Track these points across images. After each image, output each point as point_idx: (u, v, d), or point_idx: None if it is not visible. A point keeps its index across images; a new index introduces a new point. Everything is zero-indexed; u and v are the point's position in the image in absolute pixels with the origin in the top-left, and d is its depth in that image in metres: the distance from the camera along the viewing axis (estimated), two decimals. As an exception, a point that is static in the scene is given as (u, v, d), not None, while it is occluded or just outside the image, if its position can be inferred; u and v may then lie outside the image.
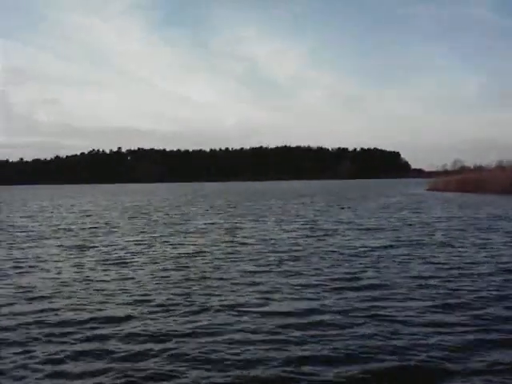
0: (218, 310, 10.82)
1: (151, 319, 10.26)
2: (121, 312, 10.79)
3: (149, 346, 8.72)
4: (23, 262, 17.31)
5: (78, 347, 8.71)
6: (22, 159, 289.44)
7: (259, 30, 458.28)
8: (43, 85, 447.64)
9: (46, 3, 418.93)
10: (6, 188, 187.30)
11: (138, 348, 8.62)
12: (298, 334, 9.25)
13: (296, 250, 18.95)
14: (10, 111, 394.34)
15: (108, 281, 14.04)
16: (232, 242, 21.71)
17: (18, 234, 26.54)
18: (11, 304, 11.65)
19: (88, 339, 9.08)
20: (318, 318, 10.21)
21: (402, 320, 9.94)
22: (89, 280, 14.21)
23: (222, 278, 14.07)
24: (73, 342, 8.97)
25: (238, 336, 9.13)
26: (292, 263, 16.35)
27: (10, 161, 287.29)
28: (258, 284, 13.32)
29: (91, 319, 10.29)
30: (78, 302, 11.69)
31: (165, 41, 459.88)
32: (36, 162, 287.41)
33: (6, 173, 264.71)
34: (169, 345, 8.74)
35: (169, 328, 9.65)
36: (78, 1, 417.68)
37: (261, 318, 10.20)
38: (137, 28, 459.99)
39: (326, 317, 10.25)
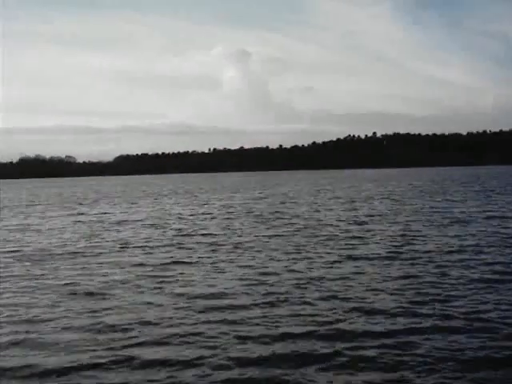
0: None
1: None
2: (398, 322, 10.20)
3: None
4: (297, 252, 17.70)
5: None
6: (281, 146, 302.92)
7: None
8: (300, 73, 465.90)
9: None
10: (265, 174, 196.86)
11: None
12: None
13: None
14: (269, 100, 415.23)
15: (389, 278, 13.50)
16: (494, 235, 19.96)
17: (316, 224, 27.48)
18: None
19: (383, 346, 8.68)
20: None
21: None
22: (365, 275, 13.96)
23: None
24: (363, 348, 8.64)
25: None
26: None
27: (270, 148, 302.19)
28: None
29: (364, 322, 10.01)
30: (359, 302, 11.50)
31: (416, 22, 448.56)
32: (294, 148, 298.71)
33: (267, 159, 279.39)
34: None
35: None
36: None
37: None
38: (388, 11, 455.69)
39: None
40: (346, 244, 18.99)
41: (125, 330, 9.69)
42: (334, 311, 10.56)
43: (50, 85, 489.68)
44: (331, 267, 14.96)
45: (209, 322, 10.09)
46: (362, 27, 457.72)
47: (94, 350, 8.67)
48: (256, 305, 11.21)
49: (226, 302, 11.49)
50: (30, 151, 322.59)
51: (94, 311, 11.02)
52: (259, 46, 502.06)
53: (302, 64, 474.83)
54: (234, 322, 10.02)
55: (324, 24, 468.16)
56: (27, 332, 9.72)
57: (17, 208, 45.55)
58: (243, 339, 9.07)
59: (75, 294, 12.56)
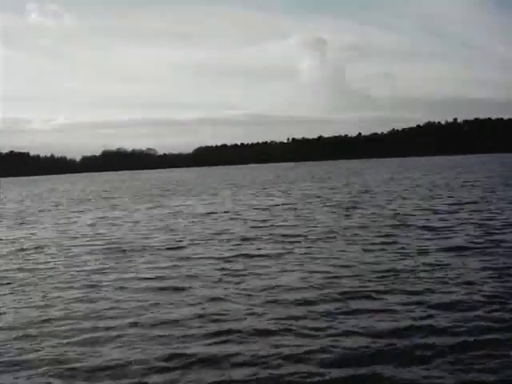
0: None
1: None
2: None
3: None
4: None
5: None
6: (359, 134, 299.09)
7: None
8: (377, 59, 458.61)
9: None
10: (344, 162, 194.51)
11: None
12: None
13: None
14: (347, 88, 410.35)
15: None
16: None
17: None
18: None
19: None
20: None
21: None
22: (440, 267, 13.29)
23: None
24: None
25: None
26: None
27: (348, 136, 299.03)
28: None
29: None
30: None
31: (499, 5, 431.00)
32: (373, 136, 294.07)
33: (346, 147, 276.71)
34: None
35: None
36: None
37: None
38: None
39: None
40: (429, 234, 18.31)
41: (198, 327, 9.59)
42: (418, 311, 10.00)
43: (130, 79, 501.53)
44: (414, 259, 14.37)
45: (283, 317, 9.82)
46: (441, 11, 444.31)
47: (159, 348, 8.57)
48: (334, 299, 10.89)
49: (303, 298, 11.10)
50: (113, 144, 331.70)
51: (168, 306, 10.97)
52: (335, 34, 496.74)
53: (379, 50, 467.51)
54: (309, 318, 9.75)
55: (401, 9, 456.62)
56: (105, 328, 9.74)
57: (100, 201, 46.72)
58: (319, 334, 8.80)
59: (153, 289, 12.53)
